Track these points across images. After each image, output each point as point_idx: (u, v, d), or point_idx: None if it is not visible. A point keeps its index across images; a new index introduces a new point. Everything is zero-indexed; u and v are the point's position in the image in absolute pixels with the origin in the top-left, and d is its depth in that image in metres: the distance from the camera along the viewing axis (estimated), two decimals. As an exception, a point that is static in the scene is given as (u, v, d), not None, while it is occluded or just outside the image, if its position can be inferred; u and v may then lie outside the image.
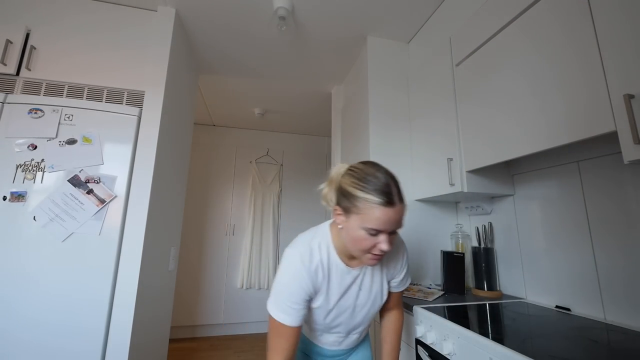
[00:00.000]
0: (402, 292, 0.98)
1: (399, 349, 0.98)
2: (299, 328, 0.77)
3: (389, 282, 0.92)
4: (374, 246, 0.71)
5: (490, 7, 1.24)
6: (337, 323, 0.86)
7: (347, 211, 0.73)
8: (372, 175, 0.72)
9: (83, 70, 1.52)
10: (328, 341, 0.91)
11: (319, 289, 0.79)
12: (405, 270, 0.94)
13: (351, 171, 0.76)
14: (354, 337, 0.93)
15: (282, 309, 0.75)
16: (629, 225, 0.98)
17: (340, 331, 0.89)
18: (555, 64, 0.95)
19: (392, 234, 0.72)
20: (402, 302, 1.02)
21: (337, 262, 0.81)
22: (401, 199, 0.71)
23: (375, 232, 0.70)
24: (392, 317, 0.99)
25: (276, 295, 0.77)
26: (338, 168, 0.81)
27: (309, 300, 0.79)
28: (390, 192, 0.69)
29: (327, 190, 0.83)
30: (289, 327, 0.75)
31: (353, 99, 2.16)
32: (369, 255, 0.74)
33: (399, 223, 0.71)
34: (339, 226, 0.77)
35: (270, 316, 0.76)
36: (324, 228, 0.85)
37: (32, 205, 1.30)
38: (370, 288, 0.87)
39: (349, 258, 0.82)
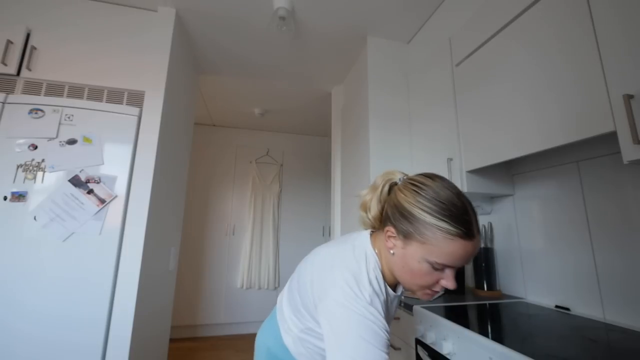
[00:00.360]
0: None
1: None
2: None
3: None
4: (435, 283, 0.58)
5: (490, 8, 1.24)
6: None
7: (406, 236, 0.58)
8: (446, 195, 0.56)
9: (83, 70, 1.53)
10: None
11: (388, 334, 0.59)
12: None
13: (414, 185, 0.60)
14: None
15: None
16: (628, 225, 0.98)
17: None
18: (555, 63, 0.95)
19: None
20: None
21: (388, 290, 0.65)
22: (479, 231, 0.57)
23: (442, 268, 0.56)
24: None
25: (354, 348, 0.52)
26: (388, 174, 0.67)
27: None
28: (470, 221, 0.55)
29: (369, 198, 0.68)
30: None
31: (353, 99, 2.16)
32: (426, 291, 0.60)
33: (471, 258, 0.57)
34: (391, 251, 0.62)
35: None
36: (366, 245, 0.65)
37: (32, 205, 1.30)
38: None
39: (391, 283, 0.67)
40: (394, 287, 0.69)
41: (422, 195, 0.57)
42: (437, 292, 0.60)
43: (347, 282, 0.58)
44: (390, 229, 0.61)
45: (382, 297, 0.61)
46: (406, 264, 0.59)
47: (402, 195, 0.60)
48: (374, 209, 0.67)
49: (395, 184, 0.65)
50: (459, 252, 0.54)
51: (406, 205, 0.58)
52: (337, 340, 0.54)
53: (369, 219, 0.69)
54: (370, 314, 0.55)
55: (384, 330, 0.55)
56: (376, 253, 0.65)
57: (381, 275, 0.63)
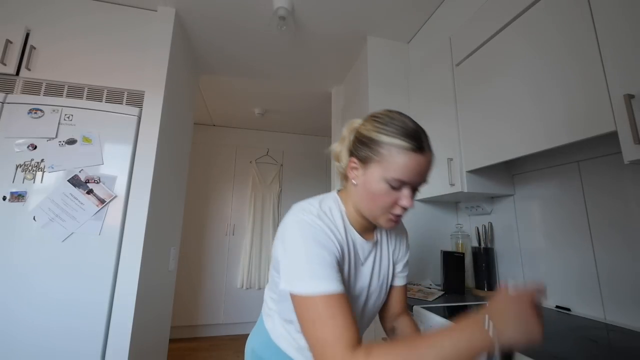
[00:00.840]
0: (405, 288, 0.83)
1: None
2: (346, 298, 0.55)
3: (393, 266, 0.78)
4: (394, 203, 0.61)
5: (490, 7, 1.24)
6: None
7: (365, 161, 0.62)
8: (399, 120, 0.61)
9: (83, 70, 1.52)
10: None
11: (341, 257, 0.61)
12: (408, 254, 0.83)
13: (372, 117, 0.65)
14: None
15: (320, 275, 0.54)
16: (629, 225, 0.98)
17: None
18: (555, 63, 0.95)
19: (414, 190, 0.62)
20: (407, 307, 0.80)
21: (352, 231, 0.67)
22: (430, 149, 0.61)
23: (399, 185, 0.59)
24: (407, 321, 0.80)
25: (301, 267, 0.55)
26: (352, 123, 0.71)
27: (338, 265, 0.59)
28: (421, 138, 0.59)
29: (339, 150, 0.72)
30: (340, 295, 0.53)
31: (353, 99, 2.16)
32: (388, 216, 0.62)
33: (425, 176, 0.61)
34: (353, 182, 0.65)
35: (302, 302, 0.53)
36: (331, 194, 0.71)
37: (32, 205, 1.30)
38: (380, 268, 0.73)
39: (363, 230, 0.69)
40: (364, 234, 0.70)
41: (378, 121, 0.63)
42: (398, 216, 0.62)
43: (302, 209, 0.63)
44: (352, 160, 0.66)
45: (342, 229, 0.64)
46: (367, 189, 0.62)
47: (362, 127, 0.66)
48: (344, 159, 0.70)
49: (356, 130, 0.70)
50: (412, 165, 0.58)
51: (365, 132, 0.64)
52: (286, 249, 0.59)
53: (342, 168, 0.72)
54: (316, 224, 0.60)
55: (332, 243, 0.59)
56: (341, 199, 0.70)
57: (345, 214, 0.67)
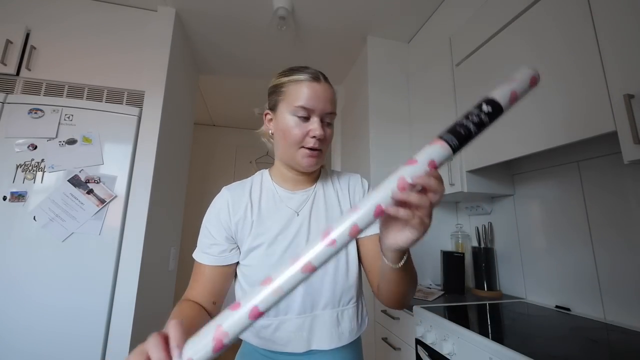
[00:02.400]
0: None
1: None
2: (216, 270, 0.64)
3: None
4: (306, 135, 0.62)
5: (490, 7, 1.24)
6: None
7: (274, 107, 0.67)
8: (296, 66, 0.68)
9: (83, 70, 1.52)
10: (289, 337, 0.61)
11: (244, 218, 0.65)
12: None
13: (278, 73, 0.71)
14: (326, 318, 0.62)
15: (200, 247, 0.68)
16: (629, 225, 0.98)
17: (299, 307, 0.61)
18: (555, 63, 0.95)
19: (328, 125, 0.65)
20: None
21: (270, 186, 0.70)
22: (328, 82, 0.65)
23: (306, 116, 0.62)
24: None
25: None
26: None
27: (232, 238, 0.65)
28: (314, 72, 0.65)
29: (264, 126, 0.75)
30: (202, 265, 0.65)
31: (353, 99, 2.16)
32: (304, 151, 0.63)
33: (329, 103, 0.63)
34: (270, 132, 0.70)
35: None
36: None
37: (32, 205, 1.30)
38: (318, 217, 0.67)
39: (293, 183, 0.70)
40: (295, 187, 0.71)
41: (275, 75, 0.70)
42: (313, 149, 0.63)
43: None
44: (266, 112, 0.71)
45: (257, 187, 0.71)
46: (280, 129, 0.65)
47: (270, 83, 0.71)
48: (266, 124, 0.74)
49: None
50: (310, 93, 0.62)
51: (271, 84, 0.70)
52: None
53: (262, 130, 0.76)
54: (216, 201, 0.71)
55: (221, 211, 0.68)
56: (271, 169, 0.74)
57: (267, 174, 0.73)
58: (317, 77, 0.64)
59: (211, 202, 0.70)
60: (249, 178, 0.74)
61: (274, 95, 0.67)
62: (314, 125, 0.62)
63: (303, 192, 0.70)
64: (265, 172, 0.74)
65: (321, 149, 0.64)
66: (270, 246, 0.63)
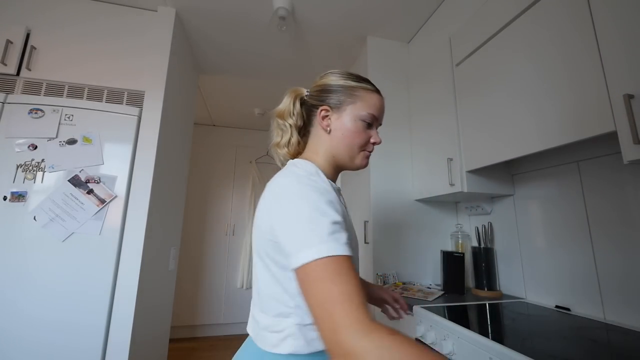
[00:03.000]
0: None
1: None
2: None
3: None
4: (367, 141, 0.69)
5: (490, 7, 1.24)
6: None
7: (339, 106, 0.67)
8: (355, 74, 0.73)
9: (83, 70, 1.52)
10: None
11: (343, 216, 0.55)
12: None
13: (333, 73, 0.73)
14: None
15: (328, 237, 0.47)
16: (628, 225, 0.98)
17: None
18: (555, 63, 0.95)
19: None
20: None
21: (333, 184, 0.66)
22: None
23: (372, 121, 0.69)
24: None
25: (307, 228, 0.48)
26: (292, 93, 0.74)
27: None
28: (375, 86, 0.72)
29: (287, 104, 0.72)
30: (349, 257, 0.47)
31: (353, 99, 2.16)
32: (364, 153, 0.70)
33: (383, 116, 0.73)
34: (327, 129, 0.67)
35: (310, 267, 0.46)
36: (298, 160, 0.68)
37: (32, 205, 1.30)
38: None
39: (334, 179, 0.71)
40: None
41: (340, 74, 0.72)
42: (370, 152, 0.71)
43: (293, 172, 0.61)
44: (324, 108, 0.69)
45: (330, 186, 0.61)
46: (345, 129, 0.67)
47: (326, 79, 0.72)
48: (294, 135, 0.71)
49: (304, 95, 0.74)
50: (379, 103, 0.70)
51: (333, 82, 0.70)
52: (288, 221, 0.51)
53: (289, 148, 0.71)
54: (318, 184, 0.56)
55: (335, 202, 0.54)
56: (310, 160, 0.67)
57: (320, 171, 0.64)
58: (380, 92, 0.72)
59: (303, 190, 0.54)
60: (308, 171, 0.62)
61: (340, 94, 0.68)
62: (375, 135, 0.70)
63: (339, 188, 0.71)
64: (315, 166, 0.65)
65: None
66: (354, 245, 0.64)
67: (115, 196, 1.39)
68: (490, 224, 1.50)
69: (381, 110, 0.70)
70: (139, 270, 1.37)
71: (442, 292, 1.41)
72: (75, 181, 1.35)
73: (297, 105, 0.72)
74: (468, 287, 1.51)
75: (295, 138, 0.72)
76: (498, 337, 0.84)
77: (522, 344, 0.80)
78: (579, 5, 0.88)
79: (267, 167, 3.56)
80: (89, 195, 1.35)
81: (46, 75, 1.48)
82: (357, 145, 0.68)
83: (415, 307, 1.17)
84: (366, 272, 1.69)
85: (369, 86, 0.70)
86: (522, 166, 1.38)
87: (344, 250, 0.47)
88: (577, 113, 0.87)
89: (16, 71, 1.44)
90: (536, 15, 1.03)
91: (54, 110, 1.40)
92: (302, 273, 0.47)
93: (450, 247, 1.69)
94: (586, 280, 1.09)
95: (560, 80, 0.93)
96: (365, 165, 0.71)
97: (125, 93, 1.55)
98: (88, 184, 1.36)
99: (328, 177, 0.66)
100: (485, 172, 1.36)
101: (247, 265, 3.24)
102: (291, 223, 0.51)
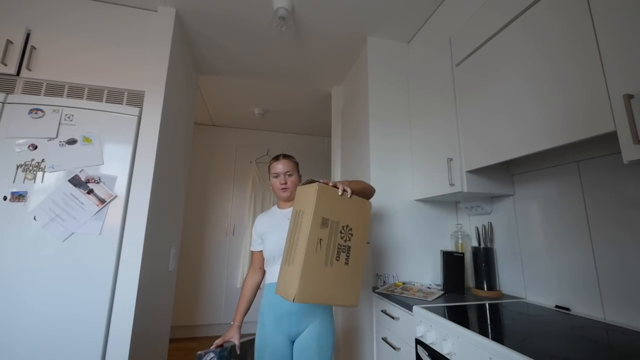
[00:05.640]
0: None
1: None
2: (258, 253, 1.33)
3: None
4: (279, 183, 1.28)
5: (490, 7, 1.24)
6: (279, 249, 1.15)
7: (270, 177, 1.32)
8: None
9: (83, 70, 1.52)
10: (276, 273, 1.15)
11: (266, 226, 1.29)
12: None
13: None
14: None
15: (252, 241, 1.35)
16: (628, 225, 0.98)
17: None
18: (555, 64, 0.95)
19: (289, 176, 1.28)
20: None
21: (275, 209, 1.35)
22: (285, 157, 1.32)
23: (276, 175, 1.28)
24: None
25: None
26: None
27: (262, 237, 1.27)
28: (278, 156, 1.33)
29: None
30: (252, 252, 1.36)
31: (353, 99, 2.16)
32: (280, 190, 1.28)
33: (284, 167, 1.28)
34: (271, 188, 1.36)
35: None
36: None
37: (32, 205, 1.30)
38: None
39: (282, 206, 1.33)
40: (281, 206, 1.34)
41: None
42: (283, 189, 1.28)
43: None
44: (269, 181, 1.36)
45: (268, 217, 1.33)
46: (271, 186, 1.32)
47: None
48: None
49: None
50: (273, 166, 1.30)
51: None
52: None
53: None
54: (257, 218, 1.37)
55: (255, 229, 1.34)
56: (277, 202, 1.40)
57: (276, 206, 1.37)
58: (277, 158, 1.32)
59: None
60: (271, 209, 1.39)
61: (269, 174, 1.33)
62: (280, 179, 1.29)
63: (286, 210, 1.30)
64: (276, 205, 1.38)
65: (287, 187, 1.28)
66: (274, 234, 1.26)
67: (115, 196, 1.39)
68: (490, 224, 1.51)
69: (276, 168, 1.29)
70: (139, 271, 1.37)
71: (442, 292, 1.41)
72: (75, 181, 1.35)
73: None
74: (468, 287, 1.51)
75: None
76: (498, 337, 0.85)
77: (522, 344, 0.80)
78: (579, 6, 0.88)
79: (267, 167, 3.56)
80: (89, 195, 1.35)
81: (46, 75, 1.48)
82: (276, 189, 1.30)
83: (415, 307, 1.18)
84: (366, 272, 1.69)
85: (271, 161, 1.33)
86: (522, 166, 1.38)
87: (252, 248, 1.35)
88: (577, 113, 0.87)
89: (16, 71, 1.44)
90: (536, 15, 1.03)
91: (54, 110, 1.40)
92: None
93: (450, 247, 1.69)
94: (586, 280, 1.09)
95: (560, 80, 0.93)
96: (285, 195, 1.28)
97: (125, 93, 1.55)
98: (88, 184, 1.36)
99: (281, 206, 1.34)
100: (485, 172, 1.36)
101: (247, 265, 3.24)
102: None
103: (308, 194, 0.97)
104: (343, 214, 0.99)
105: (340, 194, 0.99)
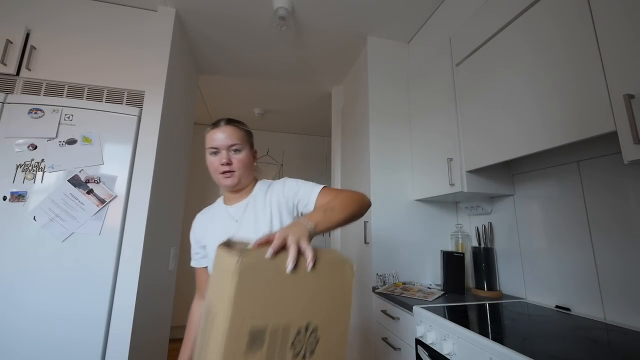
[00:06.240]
0: (327, 192, 0.83)
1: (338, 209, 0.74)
2: (201, 270, 0.93)
3: (297, 211, 0.86)
4: (219, 165, 0.83)
5: (490, 7, 1.24)
6: None
7: (206, 153, 0.87)
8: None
9: (83, 70, 1.52)
10: None
11: (205, 231, 0.91)
12: (299, 184, 0.87)
13: None
14: None
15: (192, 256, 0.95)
16: (628, 225, 0.98)
17: None
18: (555, 63, 0.95)
19: (235, 152, 0.85)
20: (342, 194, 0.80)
21: (220, 205, 0.94)
22: (229, 122, 0.87)
23: (215, 151, 0.84)
24: None
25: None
26: None
27: (204, 247, 0.90)
28: (218, 121, 0.87)
29: None
30: (194, 269, 0.95)
31: (353, 99, 2.16)
32: (220, 175, 0.84)
33: (228, 139, 0.84)
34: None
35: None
36: None
37: (32, 205, 1.30)
38: (254, 222, 0.84)
39: (229, 200, 0.92)
40: (234, 203, 0.91)
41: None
42: (225, 172, 0.83)
43: None
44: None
45: (213, 207, 0.96)
46: (208, 165, 0.87)
47: None
48: None
49: None
50: (212, 136, 0.84)
51: None
52: None
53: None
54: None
55: (192, 233, 0.94)
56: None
57: (220, 199, 0.95)
58: (217, 124, 0.86)
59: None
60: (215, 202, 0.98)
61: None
62: (222, 156, 0.83)
63: (237, 205, 0.89)
64: (221, 198, 0.96)
65: (231, 170, 0.84)
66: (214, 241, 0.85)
67: (115, 196, 1.39)
68: (490, 224, 1.50)
69: (215, 139, 0.84)
70: (139, 270, 1.37)
71: (442, 292, 1.41)
72: (75, 181, 1.35)
73: None
74: (468, 287, 1.51)
75: None
76: (498, 337, 0.84)
77: (522, 344, 0.80)
78: (579, 5, 0.88)
79: (267, 167, 3.57)
80: (89, 195, 1.35)
81: (46, 75, 1.48)
82: (214, 171, 0.86)
83: (415, 307, 1.17)
84: (366, 272, 1.69)
85: (208, 127, 0.88)
86: (522, 166, 1.38)
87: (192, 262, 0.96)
88: (577, 113, 0.87)
89: (16, 71, 1.44)
90: (536, 15, 1.03)
91: (54, 110, 1.40)
92: None
93: (450, 247, 1.69)
94: (586, 280, 1.09)
95: (560, 80, 0.93)
96: (227, 183, 0.85)
97: (125, 93, 1.55)
98: (88, 184, 1.36)
99: (227, 200, 0.93)
100: (485, 172, 1.35)
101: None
102: None
103: (223, 278, 0.49)
104: (296, 308, 0.51)
105: (288, 269, 0.49)
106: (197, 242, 0.92)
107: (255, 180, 0.95)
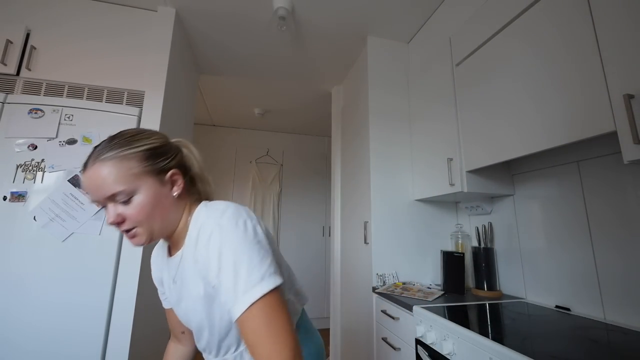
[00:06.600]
0: (243, 323, 0.51)
1: None
2: (170, 311, 0.78)
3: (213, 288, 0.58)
4: (110, 221, 0.57)
5: (490, 7, 1.24)
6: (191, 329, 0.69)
7: None
8: None
9: (83, 70, 1.52)
10: None
11: (161, 275, 0.74)
12: (223, 276, 0.53)
13: None
14: None
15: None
16: (628, 225, 0.98)
17: (205, 348, 0.68)
18: (555, 63, 0.95)
19: (125, 203, 0.56)
20: (265, 347, 0.50)
21: (165, 248, 0.71)
22: (99, 157, 0.58)
23: (101, 205, 0.58)
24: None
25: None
26: None
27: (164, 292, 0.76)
28: (88, 157, 0.59)
29: None
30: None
31: (353, 99, 2.16)
32: (125, 234, 0.59)
33: (100, 189, 0.55)
34: None
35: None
36: None
37: (32, 205, 1.30)
38: (189, 290, 0.62)
39: (171, 248, 0.68)
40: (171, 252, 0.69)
41: None
42: (124, 231, 0.58)
43: None
44: None
45: (163, 257, 0.73)
46: None
47: None
48: None
49: None
50: (83, 186, 0.65)
51: None
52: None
53: None
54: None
55: (153, 272, 0.77)
56: None
57: (166, 247, 0.73)
58: (85, 165, 0.58)
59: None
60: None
61: None
62: (108, 214, 0.57)
63: (172, 259, 0.66)
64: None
65: (132, 228, 0.57)
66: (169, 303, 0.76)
67: (115, 196, 1.38)
68: (490, 224, 1.50)
69: (86, 191, 0.57)
70: (139, 270, 1.37)
71: (442, 292, 1.41)
72: (75, 181, 1.35)
73: None
74: (468, 287, 1.51)
75: None
76: (498, 337, 0.84)
77: (522, 344, 0.80)
78: (579, 5, 0.88)
79: (267, 167, 3.57)
80: (89, 195, 1.35)
81: (46, 75, 1.48)
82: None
83: (415, 307, 1.17)
84: (366, 272, 1.69)
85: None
86: (522, 166, 1.38)
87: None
88: (577, 113, 0.87)
89: (16, 71, 1.44)
90: (536, 15, 1.03)
91: (54, 110, 1.40)
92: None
93: (450, 247, 1.69)
94: (586, 280, 1.09)
95: (560, 80, 0.93)
96: (135, 244, 0.59)
97: (125, 93, 1.55)
98: (88, 184, 1.36)
99: (169, 249, 0.71)
100: (485, 172, 1.35)
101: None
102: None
103: None
104: None
105: None
106: (159, 283, 0.75)
107: (190, 211, 0.65)
